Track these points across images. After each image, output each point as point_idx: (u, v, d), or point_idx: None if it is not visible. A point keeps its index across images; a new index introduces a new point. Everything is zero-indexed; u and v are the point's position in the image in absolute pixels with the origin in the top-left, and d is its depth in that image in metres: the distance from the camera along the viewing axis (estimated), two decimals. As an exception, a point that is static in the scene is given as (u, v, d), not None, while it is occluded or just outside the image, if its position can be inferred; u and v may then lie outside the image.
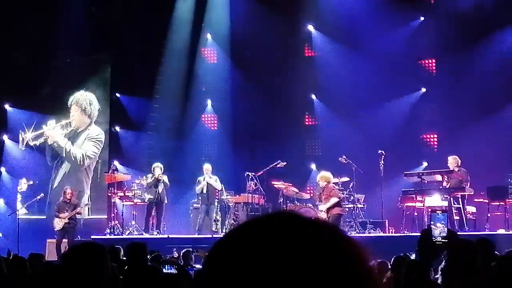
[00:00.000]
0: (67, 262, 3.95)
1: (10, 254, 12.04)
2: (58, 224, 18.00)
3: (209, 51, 23.07)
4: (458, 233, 15.13)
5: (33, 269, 7.71)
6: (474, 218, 17.77)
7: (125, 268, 7.60)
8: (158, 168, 19.07)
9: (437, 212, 3.99)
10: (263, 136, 21.53)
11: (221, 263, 1.22)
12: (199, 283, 1.25)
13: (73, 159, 20.53)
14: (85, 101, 20.79)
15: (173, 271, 8.42)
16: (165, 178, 19.05)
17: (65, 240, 17.68)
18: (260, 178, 18.91)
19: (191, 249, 12.66)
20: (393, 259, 8.59)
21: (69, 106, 20.78)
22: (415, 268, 4.54)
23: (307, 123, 22.58)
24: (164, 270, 8.07)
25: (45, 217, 20.06)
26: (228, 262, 1.20)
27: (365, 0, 20.83)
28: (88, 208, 19.50)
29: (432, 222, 3.90)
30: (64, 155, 20.56)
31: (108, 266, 4.20)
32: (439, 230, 3.86)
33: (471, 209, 17.63)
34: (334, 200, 16.28)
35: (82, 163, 20.58)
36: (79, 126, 20.89)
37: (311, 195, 19.38)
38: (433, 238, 3.83)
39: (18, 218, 19.44)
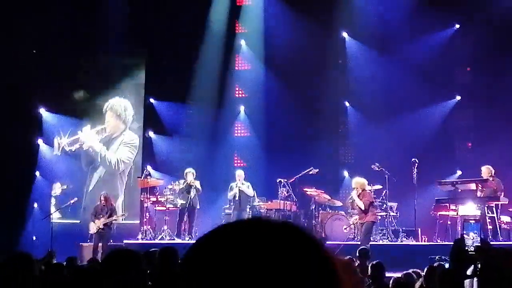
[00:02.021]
0: (103, 268, 3.99)
1: (51, 255, 12.10)
2: (93, 228, 18.15)
3: (243, 57, 23.10)
4: (492, 242, 15.01)
5: (69, 273, 7.77)
6: (508, 228, 17.59)
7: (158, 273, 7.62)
8: (190, 173, 19.13)
9: (470, 221, 3.97)
10: (296, 142, 21.48)
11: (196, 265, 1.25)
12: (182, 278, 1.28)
13: (108, 164, 20.69)
14: (120, 107, 20.97)
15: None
16: (197, 183, 19.10)
17: (100, 244, 17.82)
18: (292, 185, 18.90)
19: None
20: (426, 268, 8.54)
21: (104, 112, 20.96)
22: (448, 277, 4.50)
23: (340, 130, 22.52)
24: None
25: (79, 221, 20.21)
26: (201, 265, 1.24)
27: (400, 7, 20.72)
28: (123, 218, 19.67)
29: (464, 232, 3.88)
30: (99, 160, 20.73)
31: (143, 274, 4.23)
32: (471, 240, 3.83)
33: (505, 218, 17.45)
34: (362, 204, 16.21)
35: (117, 168, 20.74)
36: (114, 132, 21.06)
37: (343, 202, 19.32)
38: (466, 248, 3.80)
39: (52, 222, 19.61)
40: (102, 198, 18.44)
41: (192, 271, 1.24)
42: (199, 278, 1.22)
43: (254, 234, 1.25)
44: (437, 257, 13.22)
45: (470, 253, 3.77)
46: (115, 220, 18.56)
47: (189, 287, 1.24)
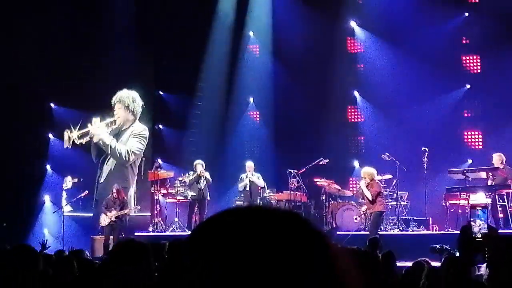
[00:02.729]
0: (111, 259, 4.01)
1: (44, 247, 12.12)
2: (104, 220, 18.20)
3: (251, 48, 23.08)
4: (503, 231, 14.99)
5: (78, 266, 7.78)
6: (519, 215, 17.52)
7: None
8: (199, 165, 19.14)
9: (477, 208, 3.97)
10: (306, 133, 21.47)
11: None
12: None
13: (119, 155, 20.71)
14: (128, 99, 20.96)
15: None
16: (207, 174, 19.12)
17: (111, 237, 17.87)
18: (302, 175, 18.89)
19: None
20: (443, 258, 8.53)
21: (112, 105, 20.97)
22: (455, 264, 4.49)
23: (350, 120, 22.47)
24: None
25: (91, 214, 20.24)
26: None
27: (408, -4, 20.67)
28: (136, 211, 19.75)
29: (472, 219, 3.87)
30: (109, 152, 20.77)
31: (150, 264, 4.23)
32: (478, 227, 3.83)
33: (516, 206, 17.39)
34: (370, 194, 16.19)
35: (127, 159, 20.76)
36: (123, 124, 21.07)
37: (354, 192, 19.32)
38: (473, 235, 3.79)
39: (63, 215, 19.68)
40: (115, 191, 18.48)
41: (191, 254, 1.25)
42: (197, 261, 1.23)
43: (256, 221, 1.26)
44: (437, 246, 13.22)
45: (477, 240, 3.76)
46: (127, 213, 18.61)
47: (185, 270, 1.24)
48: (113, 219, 18.07)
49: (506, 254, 3.95)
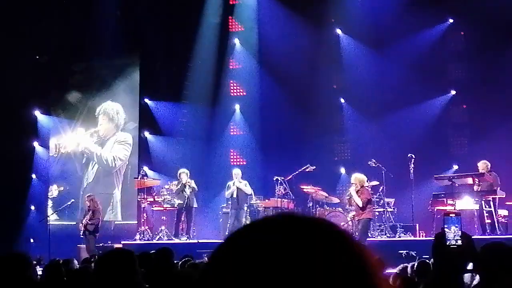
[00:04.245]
0: (98, 268, 3.98)
1: (40, 261, 12.12)
2: (80, 229, 18.30)
3: (236, 56, 23.06)
4: (490, 236, 15.03)
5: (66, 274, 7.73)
6: (506, 221, 17.57)
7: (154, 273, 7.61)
8: (184, 174, 19.06)
9: (451, 215, 3.94)
10: (292, 140, 21.46)
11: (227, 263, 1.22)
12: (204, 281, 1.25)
13: (105, 162, 20.80)
14: (112, 111, 21.14)
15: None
16: (192, 183, 19.05)
17: (86, 246, 17.92)
18: (289, 183, 18.86)
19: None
20: (416, 263, 8.55)
21: (96, 115, 21.02)
22: (427, 270, 4.49)
23: (336, 127, 22.47)
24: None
25: (75, 222, 20.20)
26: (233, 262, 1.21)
27: (393, 2, 20.69)
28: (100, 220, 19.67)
29: (445, 226, 3.85)
30: (95, 159, 20.80)
31: (137, 273, 4.20)
32: (453, 234, 3.80)
33: (503, 212, 17.44)
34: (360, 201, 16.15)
35: (113, 166, 20.84)
36: (106, 135, 21.18)
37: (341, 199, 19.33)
38: (447, 242, 3.77)
39: (49, 224, 19.58)
40: (87, 199, 18.49)
41: (219, 270, 1.23)
42: (226, 276, 1.21)
43: (287, 232, 1.23)
44: (404, 252, 13.26)
45: (451, 247, 3.73)
46: (94, 223, 18.37)
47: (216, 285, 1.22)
48: (82, 228, 18.11)
49: (495, 262, 3.93)
